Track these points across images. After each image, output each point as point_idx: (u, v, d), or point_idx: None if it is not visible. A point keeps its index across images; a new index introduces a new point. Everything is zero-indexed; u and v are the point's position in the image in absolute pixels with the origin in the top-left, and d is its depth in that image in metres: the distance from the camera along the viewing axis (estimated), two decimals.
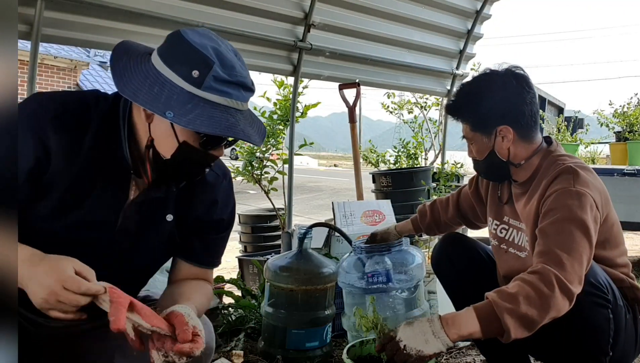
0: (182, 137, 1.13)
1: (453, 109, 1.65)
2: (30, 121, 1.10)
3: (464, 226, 2.07)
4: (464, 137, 1.66)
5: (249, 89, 1.17)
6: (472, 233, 5.22)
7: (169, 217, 1.30)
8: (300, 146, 3.78)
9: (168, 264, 2.36)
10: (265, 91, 3.53)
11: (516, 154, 1.59)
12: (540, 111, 1.86)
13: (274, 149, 3.49)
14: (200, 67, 1.09)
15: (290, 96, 3.41)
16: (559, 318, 1.29)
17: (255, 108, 3.58)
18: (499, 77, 1.57)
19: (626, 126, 4.64)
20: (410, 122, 6.17)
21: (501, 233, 1.71)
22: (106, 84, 13.35)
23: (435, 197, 4.00)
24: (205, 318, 1.38)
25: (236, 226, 4.62)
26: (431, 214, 2.00)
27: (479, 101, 1.57)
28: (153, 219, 1.29)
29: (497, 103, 1.54)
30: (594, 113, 5.51)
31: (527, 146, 1.59)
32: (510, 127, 1.55)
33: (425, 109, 6.22)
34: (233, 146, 1.34)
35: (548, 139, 1.66)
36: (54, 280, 0.98)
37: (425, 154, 5.91)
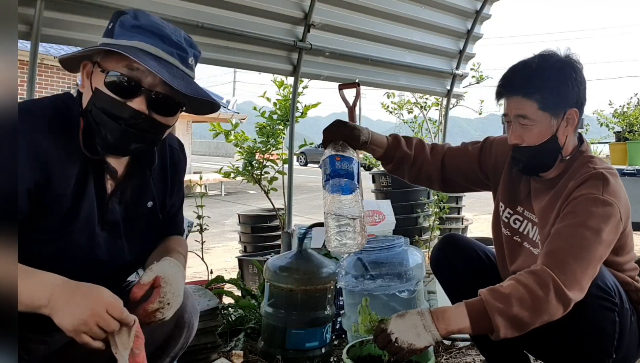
0: (95, 85, 1.16)
1: (521, 83, 1.46)
2: (21, 142, 1.07)
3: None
4: (519, 116, 1.47)
5: (172, 42, 1.16)
6: (471, 234, 5.22)
7: (150, 204, 1.32)
8: (300, 146, 3.78)
9: None
10: (265, 91, 3.53)
11: (568, 146, 1.52)
12: None
13: (274, 149, 3.49)
14: (114, 20, 1.16)
15: (290, 96, 3.41)
16: (565, 319, 1.28)
17: (255, 108, 3.59)
18: (570, 60, 1.48)
19: (626, 126, 4.64)
20: (410, 122, 6.18)
21: (515, 223, 1.64)
22: None
23: (435, 198, 4.01)
24: (186, 290, 1.41)
25: (236, 226, 4.63)
26: (418, 152, 1.69)
27: (559, 77, 1.45)
28: (136, 208, 1.30)
29: (575, 84, 1.46)
30: (593, 113, 5.51)
31: (574, 138, 1.53)
32: (578, 112, 1.48)
33: (425, 109, 6.21)
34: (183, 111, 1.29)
35: (580, 137, 1.58)
36: (97, 303, 1.03)
37: None
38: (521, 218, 1.63)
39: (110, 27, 1.16)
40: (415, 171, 1.70)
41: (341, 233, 1.34)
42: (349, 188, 1.39)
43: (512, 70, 1.51)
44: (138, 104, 1.13)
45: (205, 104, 1.26)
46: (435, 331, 1.27)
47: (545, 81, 1.44)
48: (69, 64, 1.22)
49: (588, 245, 1.32)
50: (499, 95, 1.52)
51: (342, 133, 1.53)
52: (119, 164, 1.25)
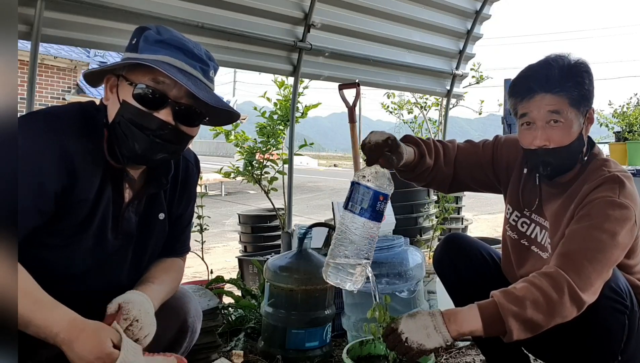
0: (122, 97, 1.18)
1: (558, 78, 1.42)
2: (50, 146, 1.10)
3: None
4: (552, 112, 1.42)
5: (195, 56, 1.20)
6: (471, 233, 5.22)
7: (161, 216, 1.34)
8: (300, 146, 3.78)
9: None
10: (266, 91, 3.55)
11: (586, 147, 1.50)
12: None
13: (274, 149, 3.49)
14: (137, 35, 1.19)
15: (291, 96, 3.41)
16: (574, 319, 1.28)
17: (255, 108, 3.59)
18: (585, 60, 1.47)
19: (625, 126, 4.64)
20: (410, 122, 6.19)
21: (522, 227, 1.62)
22: None
23: (435, 198, 4.00)
24: (189, 294, 1.42)
25: (236, 226, 4.63)
26: (434, 161, 1.62)
27: (588, 75, 1.44)
28: (148, 219, 1.31)
29: (593, 84, 1.46)
30: None
31: (586, 138, 1.51)
32: (594, 111, 1.47)
33: (425, 109, 6.22)
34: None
35: (590, 140, 1.55)
36: (95, 354, 1.06)
37: None
38: (529, 221, 1.60)
39: (134, 42, 1.20)
40: (429, 179, 1.66)
41: (348, 273, 1.30)
42: (375, 235, 1.33)
43: (544, 66, 1.46)
44: (165, 115, 1.17)
45: (224, 115, 1.30)
46: (446, 332, 1.26)
47: (579, 77, 1.43)
48: (92, 78, 1.25)
49: (603, 248, 1.31)
50: (529, 91, 1.44)
51: (391, 163, 1.37)
52: (135, 173, 1.28)
